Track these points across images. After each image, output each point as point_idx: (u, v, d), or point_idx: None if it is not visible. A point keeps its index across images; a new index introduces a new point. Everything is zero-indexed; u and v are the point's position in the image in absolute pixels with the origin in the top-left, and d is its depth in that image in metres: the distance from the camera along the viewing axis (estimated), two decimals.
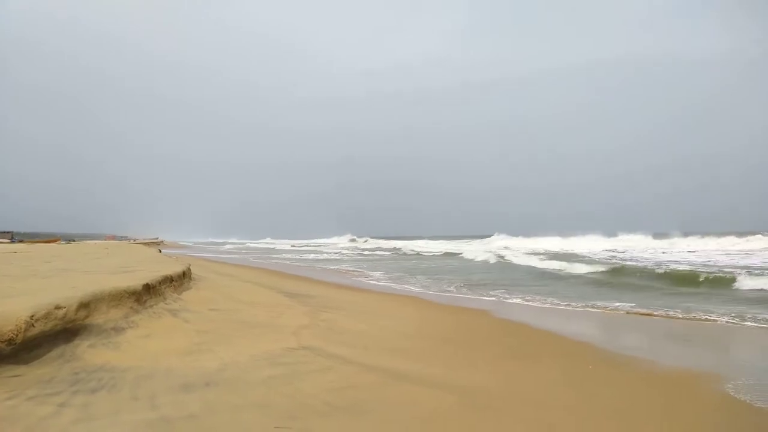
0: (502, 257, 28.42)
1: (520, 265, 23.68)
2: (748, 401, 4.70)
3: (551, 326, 8.89)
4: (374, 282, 17.52)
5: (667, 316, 9.76)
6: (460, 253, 35.38)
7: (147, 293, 7.02)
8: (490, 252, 32.18)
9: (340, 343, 6.69)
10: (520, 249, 36.99)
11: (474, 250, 35.92)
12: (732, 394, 4.93)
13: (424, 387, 4.89)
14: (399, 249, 48.67)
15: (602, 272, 18.69)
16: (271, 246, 70.05)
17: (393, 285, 16.34)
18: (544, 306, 11.56)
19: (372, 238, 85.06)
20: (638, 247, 36.76)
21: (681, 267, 19.30)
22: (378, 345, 6.87)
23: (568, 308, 11.16)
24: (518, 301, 12.37)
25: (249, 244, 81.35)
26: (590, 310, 10.88)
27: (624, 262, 22.50)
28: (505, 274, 19.98)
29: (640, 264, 21.46)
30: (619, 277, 17.56)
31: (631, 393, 5.05)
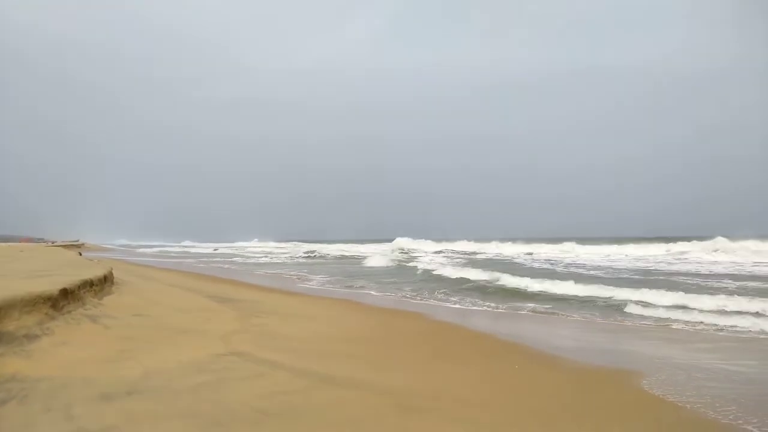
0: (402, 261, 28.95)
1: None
2: (660, 396, 4.97)
3: (480, 327, 9.09)
4: (308, 285, 17.35)
5: (584, 319, 10.20)
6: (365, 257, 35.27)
7: (64, 298, 6.62)
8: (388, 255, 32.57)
9: (271, 348, 6.57)
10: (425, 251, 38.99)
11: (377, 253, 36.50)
12: (646, 389, 5.20)
13: (356, 390, 4.88)
14: (315, 252, 47.90)
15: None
16: (193, 249, 67.20)
17: (329, 288, 16.24)
18: (473, 308, 11.82)
19: (295, 241, 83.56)
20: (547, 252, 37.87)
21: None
22: (310, 349, 6.79)
23: (496, 310, 11.45)
24: (444, 303, 12.57)
25: (171, 248, 77.12)
26: (518, 312, 11.21)
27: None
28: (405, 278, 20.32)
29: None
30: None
31: (554, 390, 5.25)
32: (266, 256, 41.58)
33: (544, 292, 13.90)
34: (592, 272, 20.49)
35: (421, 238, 52.96)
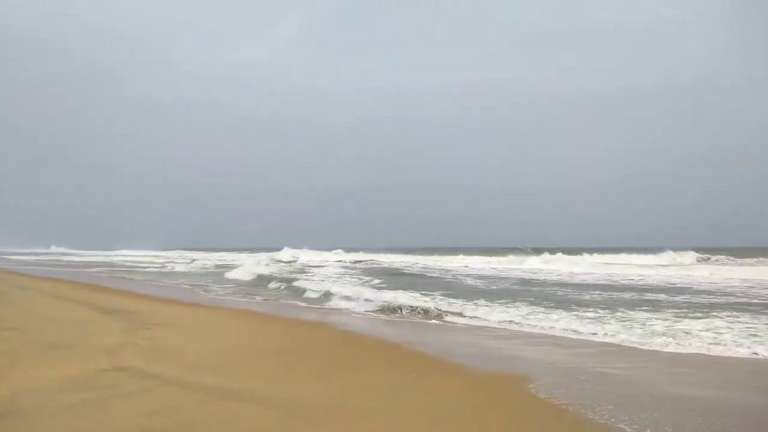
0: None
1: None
2: (546, 399, 5.25)
3: (383, 335, 9.18)
4: (206, 295, 16.70)
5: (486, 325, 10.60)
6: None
7: None
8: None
9: (161, 361, 6.25)
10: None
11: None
12: (533, 393, 5.48)
13: (249, 403, 4.74)
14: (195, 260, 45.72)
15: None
16: (75, 257, 61.21)
17: (227, 298, 15.72)
18: (379, 316, 11.91)
19: (187, 250, 78.69)
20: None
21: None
22: (204, 362, 6.53)
23: (402, 319, 11.60)
24: (351, 313, 12.58)
25: (47, 255, 69.58)
26: (425, 321, 11.43)
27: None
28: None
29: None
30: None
31: (450, 398, 5.39)
32: (152, 266, 38.70)
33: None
34: (470, 281, 21.30)
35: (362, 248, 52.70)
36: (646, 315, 10.69)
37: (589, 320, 10.17)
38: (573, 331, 9.40)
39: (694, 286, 17.38)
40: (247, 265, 28.56)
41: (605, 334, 8.97)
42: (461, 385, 5.93)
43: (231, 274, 25.99)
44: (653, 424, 4.43)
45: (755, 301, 13.12)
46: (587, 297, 14.67)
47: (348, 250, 53.38)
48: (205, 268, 34.81)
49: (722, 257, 34.45)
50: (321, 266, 32.57)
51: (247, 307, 13.43)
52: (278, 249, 49.76)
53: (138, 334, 8.03)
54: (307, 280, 20.47)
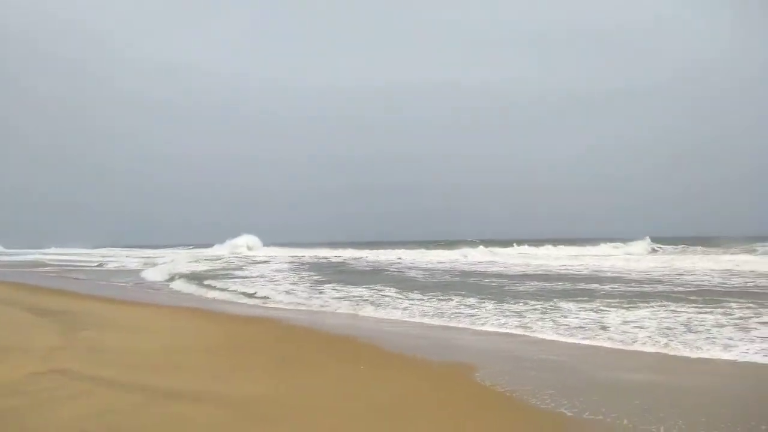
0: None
1: None
2: (491, 386, 5.40)
3: (334, 330, 9.17)
4: (150, 292, 16.21)
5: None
6: None
7: None
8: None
9: (102, 363, 6.02)
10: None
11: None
12: (480, 381, 5.61)
13: (197, 403, 4.65)
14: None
15: None
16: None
17: (174, 296, 15.30)
18: (331, 310, 11.87)
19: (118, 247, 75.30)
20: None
21: None
22: (147, 362, 6.34)
23: (353, 312, 11.61)
24: (299, 307, 12.50)
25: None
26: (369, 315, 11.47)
27: None
28: None
29: None
30: None
31: (400, 389, 5.46)
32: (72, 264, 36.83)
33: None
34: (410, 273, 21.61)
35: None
36: (570, 305, 10.96)
37: (512, 313, 10.38)
38: (500, 324, 9.54)
39: (624, 275, 18.09)
40: (173, 263, 27.83)
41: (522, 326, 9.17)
42: (410, 376, 6.01)
43: (147, 273, 24.81)
44: (592, 407, 4.63)
45: (678, 289, 13.70)
46: (521, 288, 15.01)
47: (334, 245, 53.08)
48: (122, 267, 32.86)
49: (698, 247, 35.37)
50: (266, 262, 32.08)
51: (189, 304, 13.12)
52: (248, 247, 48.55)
53: (76, 335, 7.72)
54: (225, 279, 19.98)
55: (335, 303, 12.75)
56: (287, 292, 15.23)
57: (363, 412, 4.61)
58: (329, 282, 17.86)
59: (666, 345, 7.21)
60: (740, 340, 7.20)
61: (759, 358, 6.46)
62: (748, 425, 4.21)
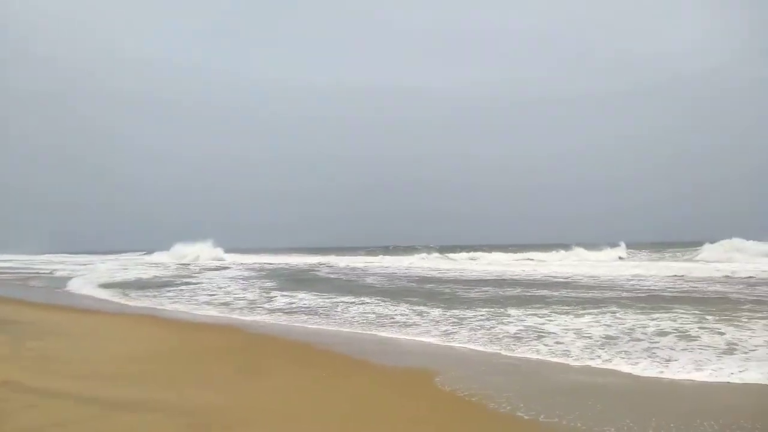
0: None
1: None
2: (451, 391, 5.45)
3: (294, 337, 9.08)
4: (102, 299, 15.68)
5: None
6: None
7: None
8: None
9: (51, 374, 5.80)
10: None
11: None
12: (440, 386, 5.66)
13: (152, 413, 4.53)
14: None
15: None
16: None
17: (130, 303, 14.82)
18: (288, 318, 11.72)
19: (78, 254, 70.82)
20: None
21: None
22: (99, 372, 6.14)
23: (310, 319, 11.47)
24: (262, 315, 12.30)
25: None
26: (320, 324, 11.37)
27: None
28: None
29: None
30: None
31: (362, 395, 5.46)
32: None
33: None
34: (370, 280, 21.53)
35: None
36: (518, 312, 10.86)
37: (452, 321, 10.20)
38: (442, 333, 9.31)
39: (576, 281, 18.49)
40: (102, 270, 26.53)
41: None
42: (371, 382, 6.02)
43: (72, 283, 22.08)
44: (547, 410, 4.73)
45: (626, 294, 14.04)
46: (473, 294, 15.07)
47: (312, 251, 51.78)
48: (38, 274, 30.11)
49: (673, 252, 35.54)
50: (222, 269, 31.52)
51: (143, 312, 12.76)
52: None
53: (23, 345, 7.41)
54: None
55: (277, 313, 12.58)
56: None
57: (323, 419, 4.59)
58: (285, 290, 17.60)
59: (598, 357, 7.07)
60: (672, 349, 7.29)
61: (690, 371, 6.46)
62: (693, 424, 4.37)
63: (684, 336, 7.91)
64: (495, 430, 4.47)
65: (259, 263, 37.97)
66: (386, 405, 5.11)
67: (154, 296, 16.48)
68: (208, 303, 14.58)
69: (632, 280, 18.25)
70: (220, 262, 40.99)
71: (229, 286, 19.65)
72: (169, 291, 18.11)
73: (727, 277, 18.12)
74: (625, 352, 7.16)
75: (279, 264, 36.85)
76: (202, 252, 44.86)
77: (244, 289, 17.79)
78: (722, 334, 7.93)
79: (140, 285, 20.72)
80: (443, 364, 6.79)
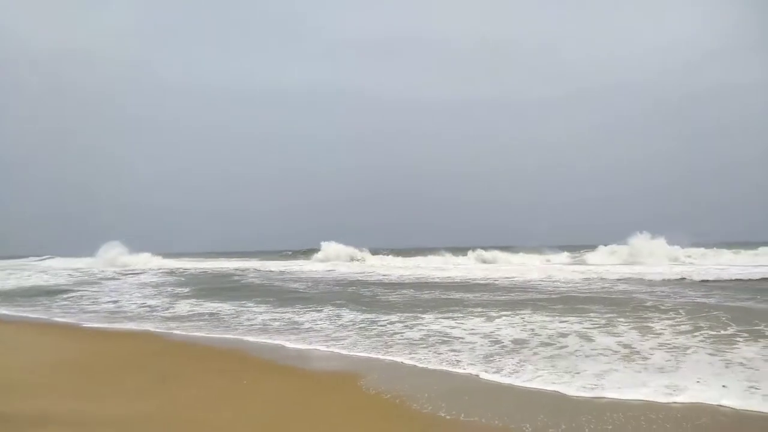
0: None
1: None
2: (376, 394, 5.58)
3: (214, 343, 8.88)
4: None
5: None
6: None
7: None
8: None
9: None
10: None
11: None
12: (364, 389, 5.77)
13: (69, 427, 4.33)
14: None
15: None
16: None
17: (18, 312, 13.83)
18: (190, 325, 11.41)
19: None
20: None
21: None
22: (2, 384, 5.77)
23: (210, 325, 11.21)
24: (182, 321, 11.91)
25: None
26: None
27: None
28: None
29: None
30: None
31: (285, 400, 5.49)
32: None
33: None
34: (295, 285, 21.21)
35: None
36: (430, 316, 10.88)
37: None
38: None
39: (496, 282, 19.14)
40: None
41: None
42: (295, 387, 6.03)
43: None
44: (467, 409, 4.95)
45: (538, 296, 14.74)
46: (393, 297, 15.19)
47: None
48: None
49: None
50: (137, 273, 30.14)
51: (48, 319, 12.03)
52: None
53: None
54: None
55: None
56: None
57: (248, 426, 4.57)
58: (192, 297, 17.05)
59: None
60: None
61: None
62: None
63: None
64: (418, 429, 4.63)
65: (184, 268, 36.56)
66: (312, 409, 5.16)
67: (50, 304, 15.52)
68: (108, 311, 13.83)
69: (555, 281, 19.09)
70: (144, 266, 38.99)
71: (134, 292, 18.84)
72: (67, 297, 17.16)
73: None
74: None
75: (205, 268, 35.62)
76: (120, 256, 42.64)
77: (147, 296, 17.11)
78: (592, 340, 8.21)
79: (34, 292, 19.35)
80: (364, 367, 6.87)
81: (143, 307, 14.27)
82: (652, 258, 29.41)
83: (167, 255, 49.00)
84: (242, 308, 13.26)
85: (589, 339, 8.02)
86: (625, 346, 7.47)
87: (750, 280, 17.78)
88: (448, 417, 4.80)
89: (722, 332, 8.04)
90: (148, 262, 42.01)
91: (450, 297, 14.72)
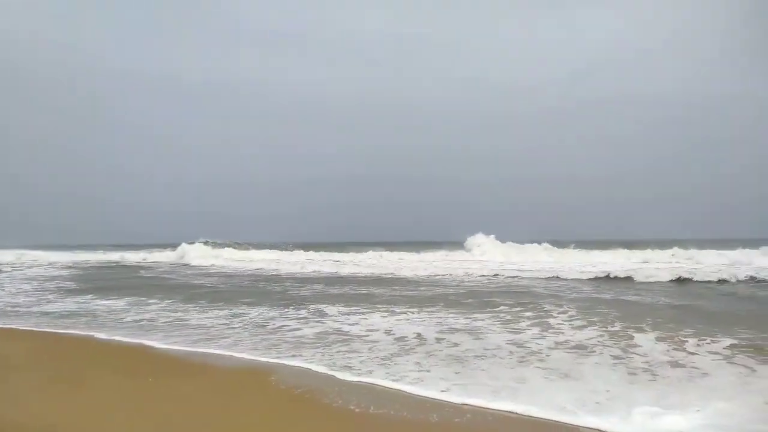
0: None
1: None
2: (286, 389, 5.63)
3: (115, 341, 8.49)
4: None
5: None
6: None
7: None
8: None
9: None
10: None
11: None
12: (275, 384, 5.80)
13: None
14: None
15: None
16: None
17: None
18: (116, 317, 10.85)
19: None
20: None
21: None
22: None
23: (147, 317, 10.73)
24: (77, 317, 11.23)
25: None
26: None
27: None
28: None
29: None
30: None
31: (196, 399, 5.38)
32: None
33: None
34: (202, 281, 20.72)
35: None
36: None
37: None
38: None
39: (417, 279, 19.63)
40: None
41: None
42: (204, 385, 5.93)
43: None
44: (376, 402, 5.14)
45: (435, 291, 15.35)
46: (304, 292, 15.30)
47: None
48: None
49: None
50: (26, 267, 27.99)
51: None
52: None
53: None
54: None
55: None
56: None
57: (153, 428, 4.48)
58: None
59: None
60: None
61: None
62: None
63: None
64: (330, 422, 4.74)
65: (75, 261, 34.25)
66: (223, 407, 5.10)
67: None
68: None
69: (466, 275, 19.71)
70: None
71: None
72: None
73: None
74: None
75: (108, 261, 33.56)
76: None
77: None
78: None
79: None
80: (271, 366, 6.83)
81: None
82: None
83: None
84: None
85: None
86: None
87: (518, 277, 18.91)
88: (357, 410, 4.95)
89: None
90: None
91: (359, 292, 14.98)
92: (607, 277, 18.07)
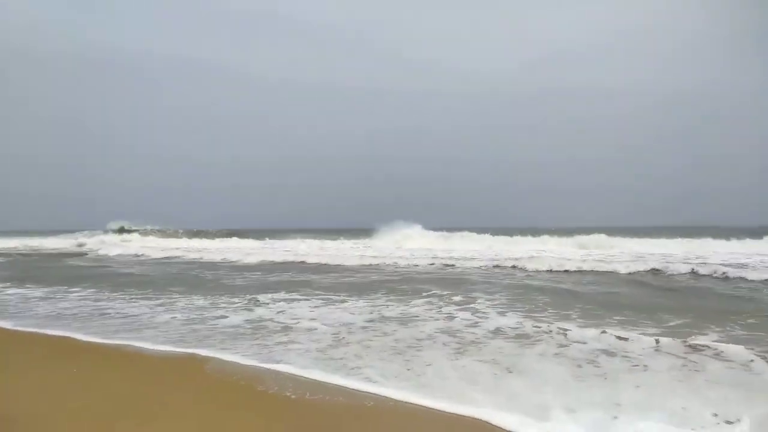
0: None
1: None
2: (221, 377, 5.57)
3: (29, 327, 8.12)
4: None
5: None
6: None
7: None
8: None
9: None
10: None
11: None
12: (210, 373, 5.73)
13: None
14: None
15: None
16: None
17: None
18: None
19: None
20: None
21: None
22: None
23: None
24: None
25: None
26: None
27: None
28: None
29: None
30: None
31: (126, 388, 5.24)
32: None
33: None
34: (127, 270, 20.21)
35: None
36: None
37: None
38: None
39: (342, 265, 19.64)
40: None
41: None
42: (136, 373, 5.79)
43: None
44: (311, 388, 5.18)
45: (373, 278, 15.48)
46: (238, 281, 15.07)
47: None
48: None
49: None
50: None
51: None
52: None
53: None
54: None
55: None
56: None
57: (82, 419, 4.36)
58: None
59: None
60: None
61: None
62: None
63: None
64: (265, 407, 4.75)
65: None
66: (155, 396, 5.00)
67: None
68: None
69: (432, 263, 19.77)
70: None
71: None
72: None
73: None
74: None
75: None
76: None
77: None
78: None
79: None
80: (216, 347, 6.79)
81: None
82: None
83: None
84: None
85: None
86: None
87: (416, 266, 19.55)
88: (294, 397, 4.98)
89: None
90: None
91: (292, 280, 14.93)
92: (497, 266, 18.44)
